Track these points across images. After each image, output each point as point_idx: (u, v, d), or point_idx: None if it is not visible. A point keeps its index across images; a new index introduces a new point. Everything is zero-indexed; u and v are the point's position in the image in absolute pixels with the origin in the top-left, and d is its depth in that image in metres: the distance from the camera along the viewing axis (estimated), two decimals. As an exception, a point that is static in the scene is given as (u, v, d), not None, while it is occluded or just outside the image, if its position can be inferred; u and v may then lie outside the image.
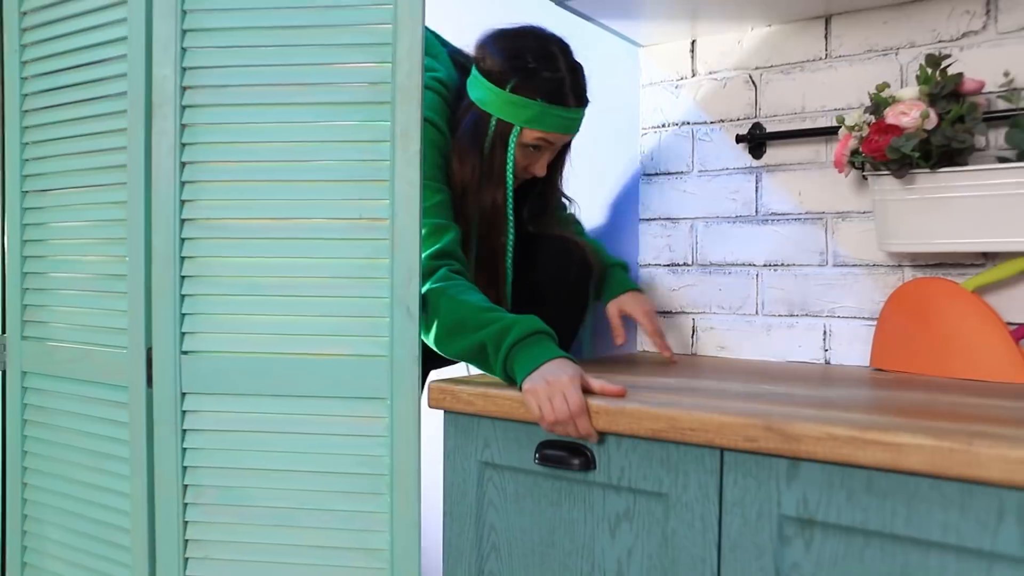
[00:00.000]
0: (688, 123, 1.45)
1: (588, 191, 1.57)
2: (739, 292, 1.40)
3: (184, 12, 1.10)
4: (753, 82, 1.38)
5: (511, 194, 1.24)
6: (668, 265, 1.48)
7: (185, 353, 1.12)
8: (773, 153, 1.36)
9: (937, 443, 0.73)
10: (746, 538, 0.85)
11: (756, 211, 1.38)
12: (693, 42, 1.44)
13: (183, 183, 1.11)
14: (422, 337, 1.08)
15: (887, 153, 1.09)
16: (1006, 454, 0.70)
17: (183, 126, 1.11)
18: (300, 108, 1.09)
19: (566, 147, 1.32)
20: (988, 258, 1.19)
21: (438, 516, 1.79)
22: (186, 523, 1.13)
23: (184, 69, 1.10)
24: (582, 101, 1.23)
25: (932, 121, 1.08)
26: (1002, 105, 1.14)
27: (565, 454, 0.96)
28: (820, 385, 1.06)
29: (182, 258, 1.11)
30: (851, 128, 1.15)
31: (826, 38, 1.31)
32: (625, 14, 1.32)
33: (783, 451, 0.81)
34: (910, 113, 1.08)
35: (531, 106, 1.19)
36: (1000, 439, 0.72)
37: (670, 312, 1.47)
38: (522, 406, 0.98)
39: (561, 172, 1.37)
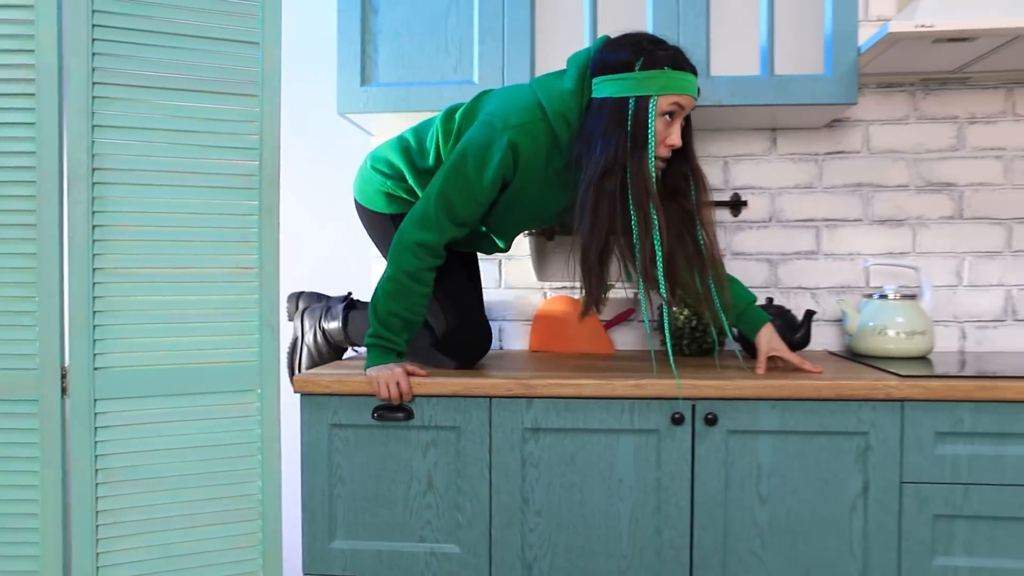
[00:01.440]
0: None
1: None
2: (442, 306, 2.14)
3: (94, 112, 1.46)
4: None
5: (653, 156, 1.49)
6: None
7: (97, 369, 1.48)
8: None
9: (596, 381, 1.56)
10: (505, 443, 1.58)
11: (454, 253, 2.13)
12: (409, 138, 2.13)
13: (95, 240, 1.47)
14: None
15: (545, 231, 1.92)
16: (624, 383, 1.55)
17: (94, 197, 1.47)
18: (190, 189, 1.53)
19: (689, 127, 1.59)
20: (588, 284, 2.10)
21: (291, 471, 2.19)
22: (98, 498, 1.49)
23: (94, 155, 1.46)
24: (694, 70, 1.52)
25: (566, 210, 1.94)
26: (594, 200, 2.06)
27: (393, 412, 1.59)
28: (516, 360, 1.85)
29: (94, 297, 1.47)
30: (522, 210, 1.96)
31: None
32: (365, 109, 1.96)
33: (525, 394, 1.57)
34: (555, 205, 1.92)
35: (661, 75, 1.47)
36: (618, 377, 1.57)
37: (395, 320, 2.15)
38: (367, 385, 1.58)
39: (693, 147, 1.61)
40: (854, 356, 1.91)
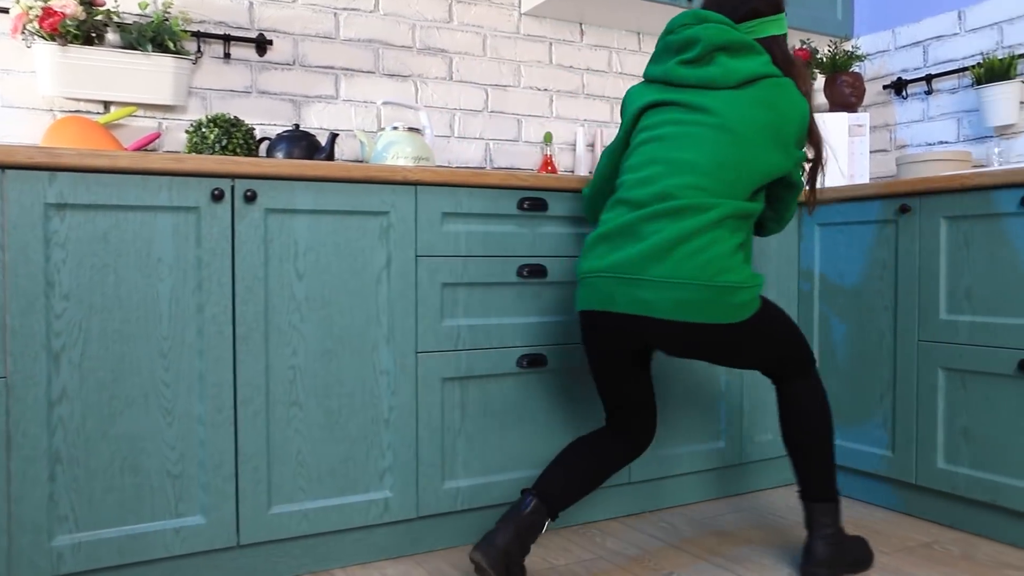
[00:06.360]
0: None
1: None
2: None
3: None
4: (-72, -39, 1.81)
5: None
6: None
7: None
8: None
9: (133, 153, 1.51)
10: (23, 219, 1.44)
11: (-66, 60, 1.83)
12: None
13: None
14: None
15: (59, 28, 1.77)
16: (162, 157, 1.53)
17: None
18: None
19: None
20: (107, 106, 1.98)
21: None
22: None
23: None
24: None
25: (82, 13, 1.81)
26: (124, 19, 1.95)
27: None
28: (26, 164, 1.68)
29: None
30: (28, 8, 1.77)
31: (-11, -55, 1.87)
32: None
33: (48, 164, 1.45)
34: (70, 6, 1.78)
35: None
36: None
37: None
38: None
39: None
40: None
